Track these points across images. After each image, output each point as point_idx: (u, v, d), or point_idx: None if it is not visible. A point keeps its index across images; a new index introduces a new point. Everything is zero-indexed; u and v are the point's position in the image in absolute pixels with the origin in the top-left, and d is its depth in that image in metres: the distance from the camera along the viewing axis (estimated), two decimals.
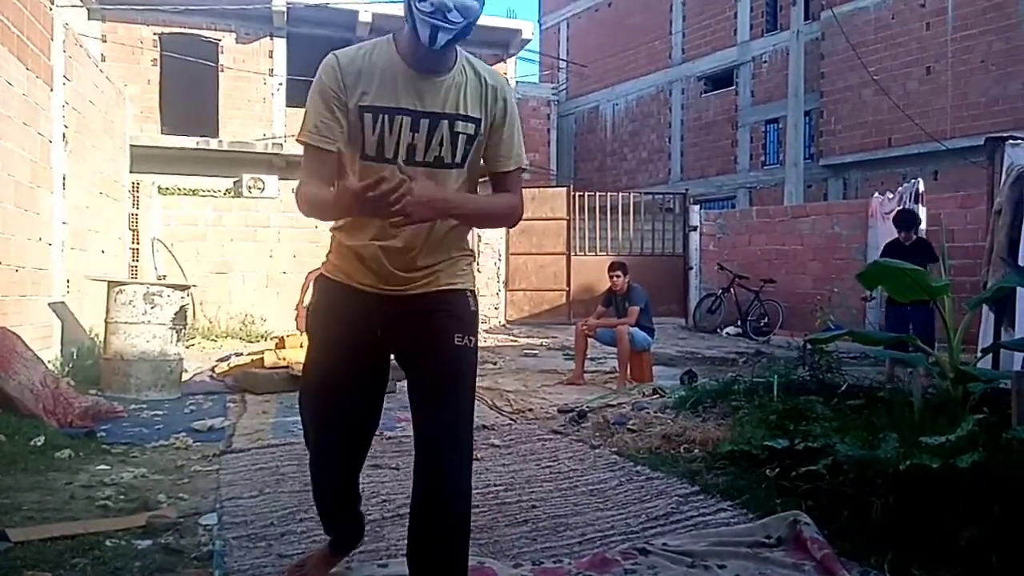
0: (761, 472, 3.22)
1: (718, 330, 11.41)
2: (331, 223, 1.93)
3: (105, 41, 15.24)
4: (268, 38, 16.36)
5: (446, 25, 1.62)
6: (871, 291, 7.38)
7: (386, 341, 1.89)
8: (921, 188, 8.84)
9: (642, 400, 5.19)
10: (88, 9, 14.86)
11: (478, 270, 12.22)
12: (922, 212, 8.68)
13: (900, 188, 9.54)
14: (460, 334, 1.81)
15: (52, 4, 6.12)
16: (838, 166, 17.50)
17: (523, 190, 1.92)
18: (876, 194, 10.44)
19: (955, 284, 4.57)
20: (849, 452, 2.87)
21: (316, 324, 1.97)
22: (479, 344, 1.91)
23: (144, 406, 5.09)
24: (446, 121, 1.73)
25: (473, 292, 1.93)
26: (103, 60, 13.53)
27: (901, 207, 8.85)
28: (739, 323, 11.14)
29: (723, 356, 8.58)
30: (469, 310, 1.87)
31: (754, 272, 11.18)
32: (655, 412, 4.68)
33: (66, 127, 6.13)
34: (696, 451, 3.75)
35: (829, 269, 10.69)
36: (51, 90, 5.85)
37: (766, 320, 10.82)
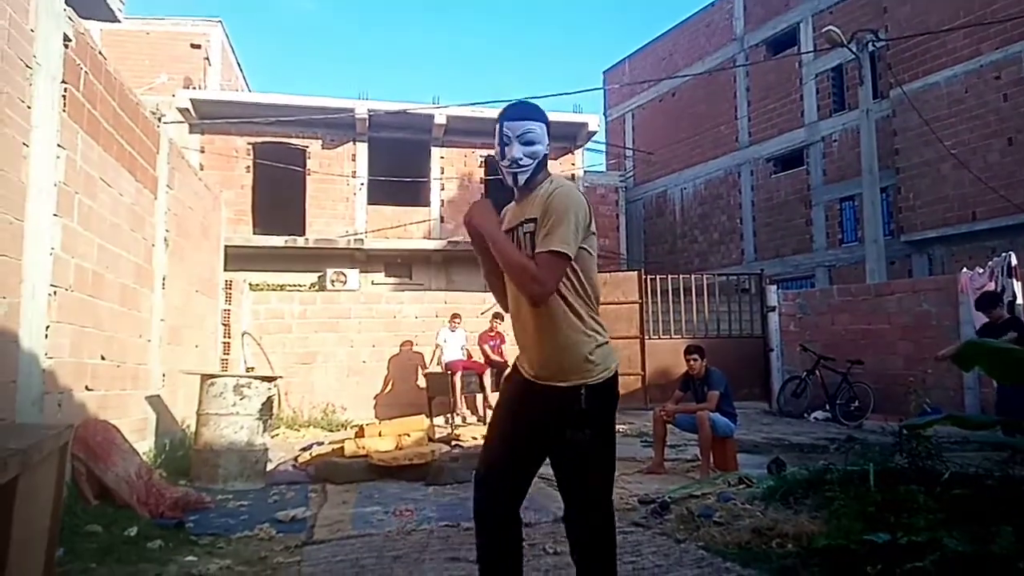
0: (861, 569, 3.01)
1: (805, 415, 10.91)
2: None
3: (203, 152, 16.56)
4: (351, 143, 17.43)
5: (520, 171, 2.27)
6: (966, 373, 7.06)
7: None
8: (1014, 261, 8.44)
9: (728, 490, 4.98)
10: (190, 124, 16.25)
11: None
12: (1017, 287, 8.27)
13: (991, 262, 9.13)
14: (572, 429, 2.21)
15: (159, 122, 6.74)
16: (920, 242, 16.93)
17: (553, 273, 2.16)
18: (965, 269, 10.01)
19: None
20: (959, 547, 2.68)
21: None
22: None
23: (230, 496, 5.21)
24: (522, 225, 2.27)
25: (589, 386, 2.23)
26: (201, 168, 14.66)
27: (983, 289, 8.50)
28: (827, 407, 10.62)
29: (812, 443, 8.17)
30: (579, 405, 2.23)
31: (839, 353, 10.74)
32: (743, 503, 4.48)
33: (167, 231, 6.62)
34: (789, 546, 3.55)
35: (920, 349, 10.17)
36: (155, 198, 6.36)
37: (856, 404, 10.29)
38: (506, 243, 2.22)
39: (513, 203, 2.38)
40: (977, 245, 15.28)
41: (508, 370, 2.52)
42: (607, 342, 2.27)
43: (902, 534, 3.03)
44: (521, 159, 2.24)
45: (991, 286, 8.75)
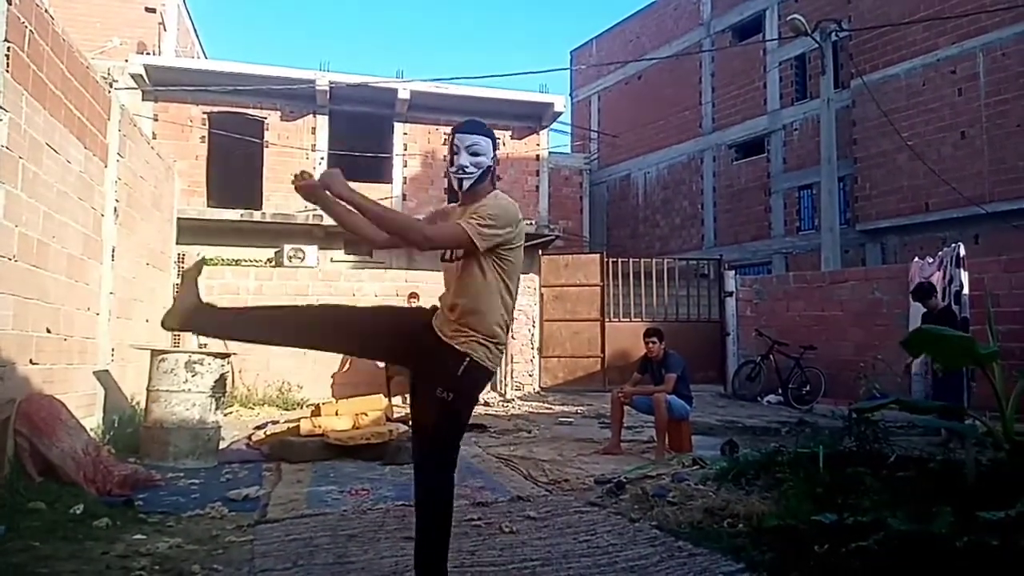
0: (809, 548, 3.08)
1: (758, 398, 11.15)
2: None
3: (157, 120, 16.04)
4: (311, 115, 17.05)
5: (466, 177, 2.59)
6: (915, 359, 7.39)
7: None
8: (962, 252, 8.68)
9: (682, 471, 5.06)
10: (143, 90, 15.71)
11: (512, 336, 12.21)
12: (964, 276, 8.52)
13: (941, 252, 9.38)
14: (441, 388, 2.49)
15: (111, 87, 6.49)
16: (875, 231, 17.35)
17: (445, 232, 2.54)
18: (916, 259, 10.28)
19: (1003, 350, 4.42)
20: (902, 527, 2.76)
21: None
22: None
23: (181, 474, 5.12)
24: None
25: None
26: (154, 137, 14.21)
27: (930, 278, 8.83)
28: (780, 391, 10.87)
29: (764, 425, 8.36)
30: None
31: (793, 338, 10.98)
32: (696, 484, 4.56)
33: (117, 201, 6.40)
34: (740, 526, 3.62)
35: (871, 335, 10.45)
36: (105, 166, 6.14)
37: (808, 388, 10.55)
38: (377, 205, 2.52)
39: (456, 205, 2.70)
40: (929, 235, 15.72)
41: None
42: (503, 345, 2.57)
43: (849, 514, 3.11)
44: (467, 167, 2.56)
45: (939, 275, 9.00)
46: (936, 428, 5.58)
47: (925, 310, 7.50)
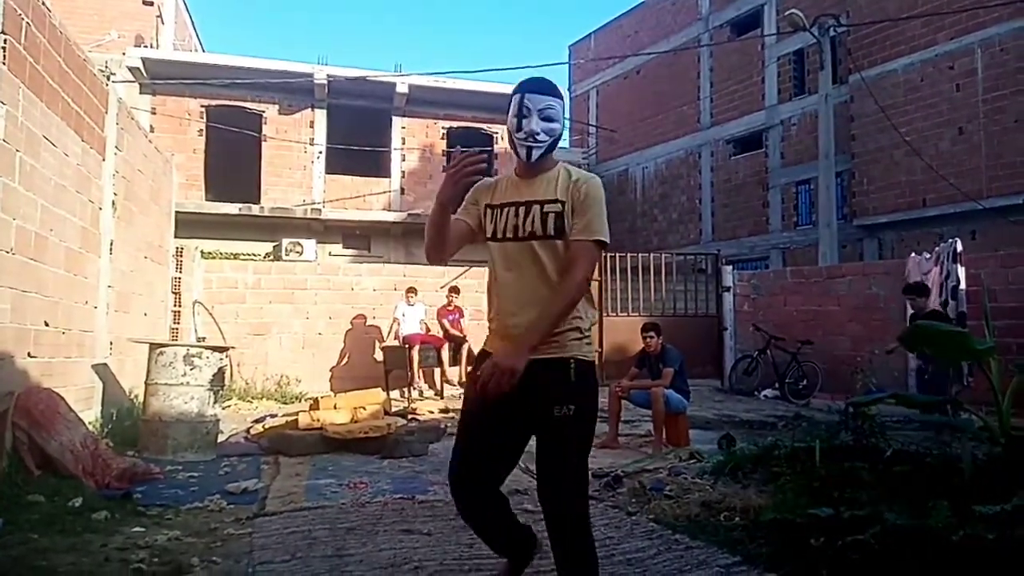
0: (806, 542, 3.10)
1: (755, 392, 11.16)
2: None
3: (155, 113, 15.99)
4: (310, 109, 17.02)
5: (536, 145, 2.22)
6: (892, 350, 7.49)
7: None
8: (959, 247, 8.71)
9: (679, 465, 5.08)
10: (140, 84, 15.66)
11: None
12: (961, 272, 8.54)
13: (937, 248, 9.40)
14: (559, 405, 2.16)
15: (108, 80, 6.48)
16: (872, 226, 17.37)
17: (594, 259, 2.23)
18: (913, 254, 10.30)
19: (1000, 345, 4.44)
20: (898, 521, 2.77)
21: None
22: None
23: (180, 467, 5.12)
24: (537, 206, 2.23)
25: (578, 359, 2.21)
26: (152, 131, 14.17)
27: (928, 273, 8.86)
28: (777, 385, 10.89)
29: (761, 420, 8.38)
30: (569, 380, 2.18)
31: (790, 333, 10.99)
32: (693, 477, 4.57)
33: (115, 194, 6.39)
34: (737, 519, 3.64)
35: (868, 330, 10.47)
36: (103, 160, 6.13)
37: (805, 382, 10.57)
38: (549, 315, 2.15)
39: (507, 176, 2.36)
40: (926, 231, 15.75)
41: (475, 362, 2.38)
42: (593, 325, 2.27)
43: (845, 508, 3.12)
44: (539, 134, 2.21)
45: (935, 271, 9.02)
46: (936, 422, 5.60)
47: (912, 311, 7.52)
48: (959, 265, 8.56)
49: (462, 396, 2.41)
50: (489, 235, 2.29)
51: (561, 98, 2.29)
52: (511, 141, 2.28)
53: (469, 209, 2.36)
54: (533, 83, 2.27)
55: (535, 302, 2.16)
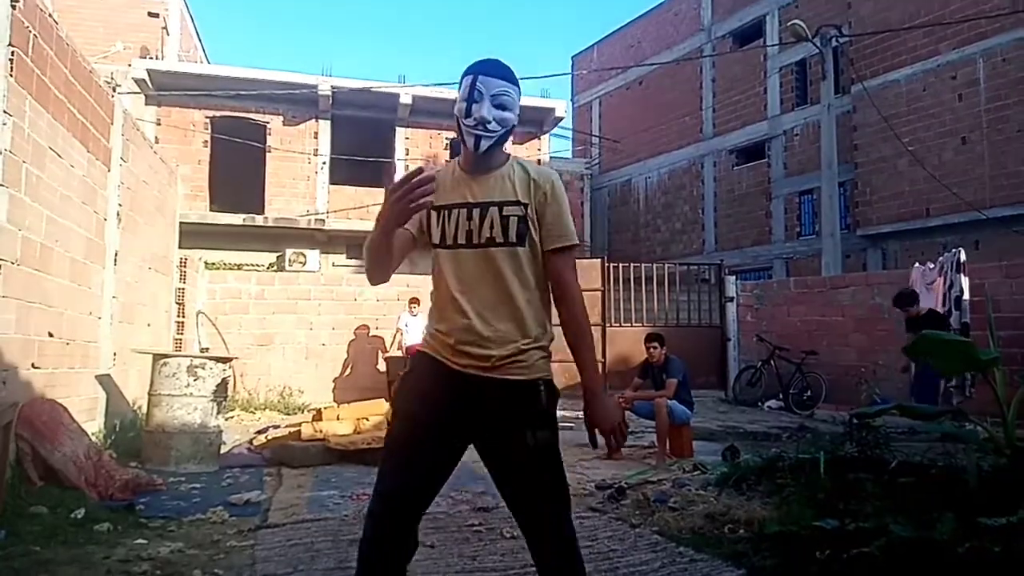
0: (810, 554, 3.08)
1: (759, 403, 11.13)
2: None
3: (160, 124, 16.08)
4: (314, 120, 17.09)
5: (486, 135, 1.96)
6: (912, 363, 7.54)
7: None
8: (963, 258, 8.69)
9: (683, 476, 5.06)
10: (146, 95, 15.75)
11: None
12: (965, 282, 8.52)
13: (941, 258, 9.38)
14: (532, 431, 1.92)
15: (114, 92, 6.52)
16: (876, 236, 17.35)
17: (574, 265, 2.08)
18: (916, 264, 10.28)
19: (1004, 356, 4.42)
20: (904, 533, 2.75)
21: None
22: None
23: (183, 479, 5.12)
24: (494, 208, 1.96)
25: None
26: (157, 142, 14.23)
27: (932, 284, 8.90)
28: (781, 396, 10.86)
29: (765, 431, 8.35)
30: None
31: (794, 344, 10.97)
32: (697, 489, 4.55)
33: (120, 205, 6.42)
34: (741, 531, 3.62)
35: (872, 341, 10.44)
36: (108, 171, 6.16)
37: (809, 393, 10.54)
38: (588, 349, 2.08)
39: (450, 168, 2.08)
40: (930, 241, 15.72)
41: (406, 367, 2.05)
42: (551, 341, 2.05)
43: (850, 520, 3.10)
44: (490, 122, 1.96)
45: (939, 281, 9.00)
46: (942, 433, 5.57)
47: (907, 317, 7.61)
48: (963, 275, 8.54)
49: (390, 413, 2.06)
50: (437, 241, 2.00)
51: (518, 86, 2.03)
52: (458, 128, 2.02)
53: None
54: (487, 65, 2.02)
55: (503, 315, 1.93)
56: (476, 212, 1.97)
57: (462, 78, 2.02)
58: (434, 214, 2.00)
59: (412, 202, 1.78)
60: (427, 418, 1.94)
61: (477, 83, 1.98)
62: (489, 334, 1.92)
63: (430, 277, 2.05)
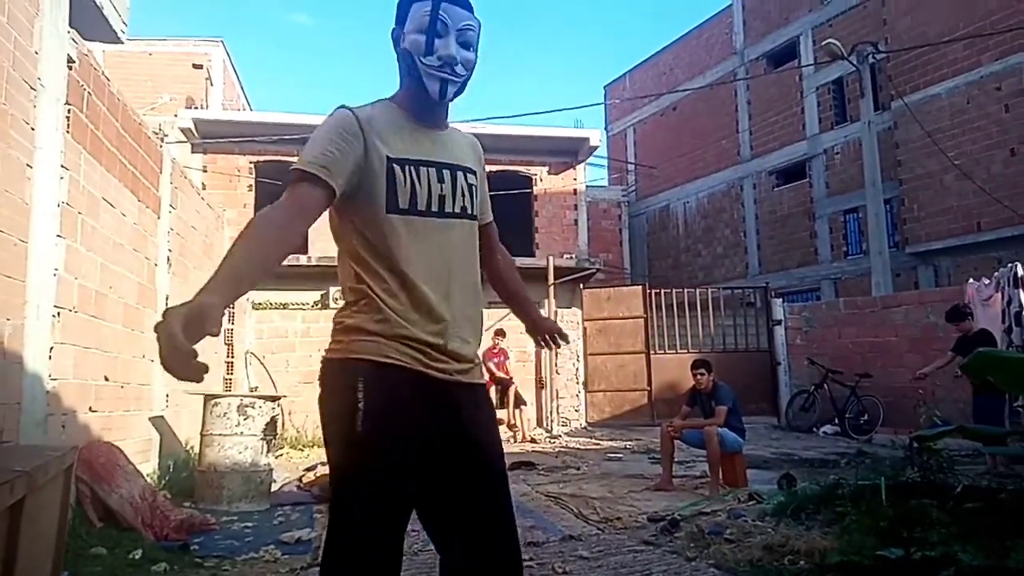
0: None
1: (814, 429, 10.82)
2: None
3: (206, 171, 16.61)
4: None
5: (453, 78, 1.62)
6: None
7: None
8: (1020, 272, 8.39)
9: (738, 507, 4.93)
10: (192, 143, 16.34)
11: (556, 371, 12.15)
12: (1023, 297, 8.22)
13: (996, 273, 9.08)
14: (493, 441, 1.74)
15: (162, 142, 6.77)
16: (926, 253, 16.89)
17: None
18: (971, 280, 9.96)
19: None
20: (974, 562, 2.63)
21: None
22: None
23: (235, 517, 5.17)
24: (461, 172, 1.69)
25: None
26: (204, 188, 14.69)
27: (990, 299, 8.60)
28: (836, 421, 10.55)
29: (822, 457, 8.10)
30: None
31: (847, 366, 10.68)
32: (753, 520, 4.43)
33: (170, 251, 6.62)
34: (802, 563, 3.49)
35: (928, 361, 10.00)
36: (158, 218, 6.37)
37: (865, 417, 10.22)
38: (522, 291, 2.03)
39: (394, 110, 1.67)
40: (983, 256, 15.23)
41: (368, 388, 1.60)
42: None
43: (916, 549, 2.98)
44: (457, 63, 1.61)
45: (997, 297, 8.71)
46: (1012, 455, 5.33)
47: (960, 333, 7.30)
48: (1020, 290, 8.24)
49: (351, 458, 1.60)
50: (397, 205, 1.59)
51: (480, 22, 1.67)
52: (411, 67, 1.63)
53: (339, 162, 1.58)
54: None
55: (475, 299, 1.68)
56: (447, 174, 1.65)
57: (412, 3, 1.63)
58: (396, 168, 1.59)
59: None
60: (416, 456, 1.54)
61: (441, 12, 1.60)
62: (470, 326, 1.66)
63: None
